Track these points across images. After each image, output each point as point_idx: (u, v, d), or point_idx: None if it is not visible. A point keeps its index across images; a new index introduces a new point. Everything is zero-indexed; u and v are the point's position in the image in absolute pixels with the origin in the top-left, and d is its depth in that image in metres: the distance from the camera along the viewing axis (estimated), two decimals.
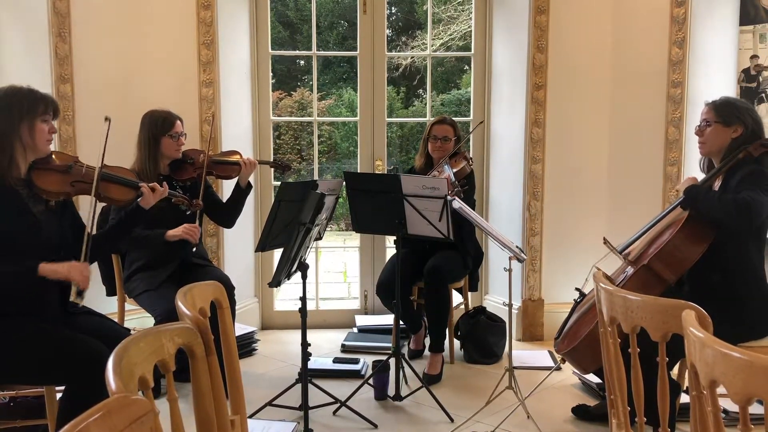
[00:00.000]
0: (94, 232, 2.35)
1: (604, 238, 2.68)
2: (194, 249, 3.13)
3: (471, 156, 3.72)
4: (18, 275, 2.16)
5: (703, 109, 2.59)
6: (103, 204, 2.95)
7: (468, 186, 3.55)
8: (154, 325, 2.84)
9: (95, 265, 3.33)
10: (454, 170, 3.50)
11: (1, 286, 2.17)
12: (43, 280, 2.17)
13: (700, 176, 2.65)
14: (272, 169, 4.18)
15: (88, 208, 2.34)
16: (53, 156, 2.35)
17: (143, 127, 3.18)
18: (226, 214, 3.40)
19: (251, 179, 3.41)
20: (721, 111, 2.52)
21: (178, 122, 3.21)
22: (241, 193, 3.36)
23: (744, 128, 2.49)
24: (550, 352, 3.74)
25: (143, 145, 3.17)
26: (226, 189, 3.68)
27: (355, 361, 3.57)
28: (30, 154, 2.26)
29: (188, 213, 3.07)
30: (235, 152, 3.39)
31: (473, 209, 3.37)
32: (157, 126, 3.16)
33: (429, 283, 3.46)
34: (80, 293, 2.25)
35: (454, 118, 3.76)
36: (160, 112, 3.20)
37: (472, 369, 3.62)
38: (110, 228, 2.60)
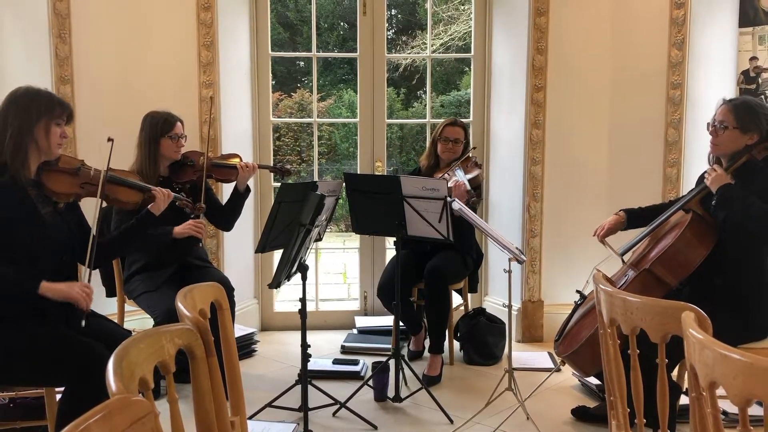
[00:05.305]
0: (97, 235, 2.35)
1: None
2: (200, 244, 3.13)
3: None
4: (19, 289, 2.16)
5: (720, 108, 2.49)
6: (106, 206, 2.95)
7: (476, 197, 3.48)
8: (154, 326, 2.85)
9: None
10: (468, 176, 3.45)
11: (2, 291, 2.16)
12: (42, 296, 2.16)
13: (704, 167, 2.63)
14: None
15: (91, 209, 2.34)
16: (61, 158, 2.37)
17: (143, 128, 3.17)
18: (225, 217, 3.38)
19: (250, 183, 3.39)
20: (742, 117, 2.43)
21: (179, 124, 3.19)
22: (238, 197, 3.33)
23: (759, 135, 2.44)
24: (550, 354, 3.74)
25: (143, 145, 3.15)
26: (225, 192, 3.68)
27: (355, 363, 3.57)
28: (41, 155, 2.27)
29: (192, 216, 3.07)
30: (234, 155, 3.38)
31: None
32: (157, 127, 3.14)
33: (429, 283, 3.46)
34: (80, 314, 2.23)
35: None
36: (160, 113, 3.18)
37: (472, 370, 3.62)
38: (120, 234, 2.60)
